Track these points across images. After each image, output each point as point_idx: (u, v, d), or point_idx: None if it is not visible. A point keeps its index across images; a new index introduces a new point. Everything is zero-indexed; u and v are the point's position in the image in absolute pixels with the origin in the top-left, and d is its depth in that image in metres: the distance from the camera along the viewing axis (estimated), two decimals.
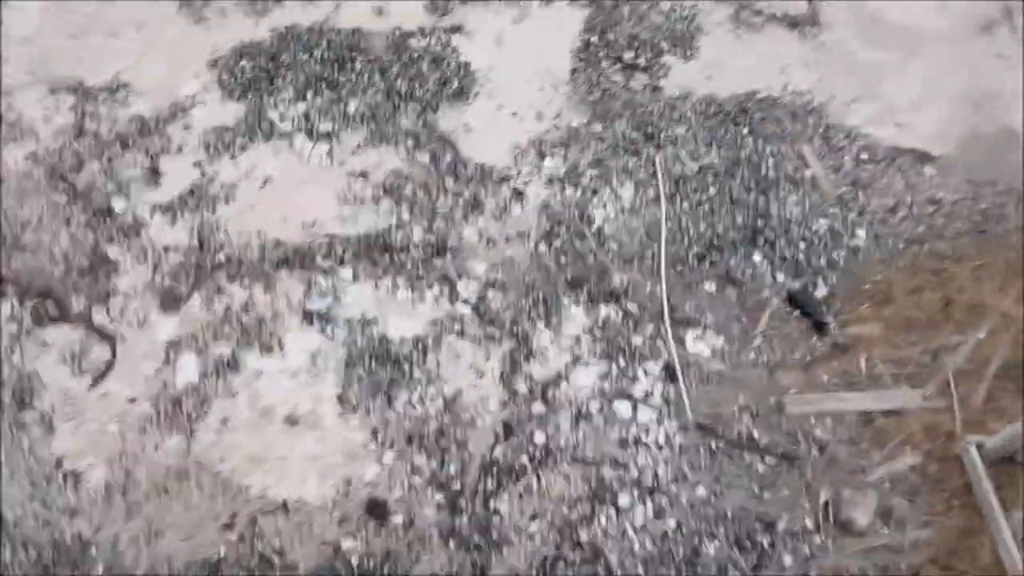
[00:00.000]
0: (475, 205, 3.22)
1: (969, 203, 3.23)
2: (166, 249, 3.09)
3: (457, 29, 3.81)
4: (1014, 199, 3.24)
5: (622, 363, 2.82)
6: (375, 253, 3.03)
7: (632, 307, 2.94)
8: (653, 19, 3.89)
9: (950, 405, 2.62)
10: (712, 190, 3.27)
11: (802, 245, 3.09)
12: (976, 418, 2.60)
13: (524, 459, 2.60)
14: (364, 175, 3.24)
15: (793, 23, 3.92)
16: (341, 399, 2.72)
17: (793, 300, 2.91)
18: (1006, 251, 3.03)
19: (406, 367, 2.78)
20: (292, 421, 2.69)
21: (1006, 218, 3.17)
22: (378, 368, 2.77)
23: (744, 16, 3.95)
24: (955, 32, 3.91)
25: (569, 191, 3.25)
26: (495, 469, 2.58)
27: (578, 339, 2.88)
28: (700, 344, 2.84)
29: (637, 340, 2.87)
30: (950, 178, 3.32)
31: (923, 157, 3.39)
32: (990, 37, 3.87)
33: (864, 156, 3.39)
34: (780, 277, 3.01)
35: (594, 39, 3.79)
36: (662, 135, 3.44)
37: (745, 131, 3.47)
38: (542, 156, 3.37)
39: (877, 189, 3.27)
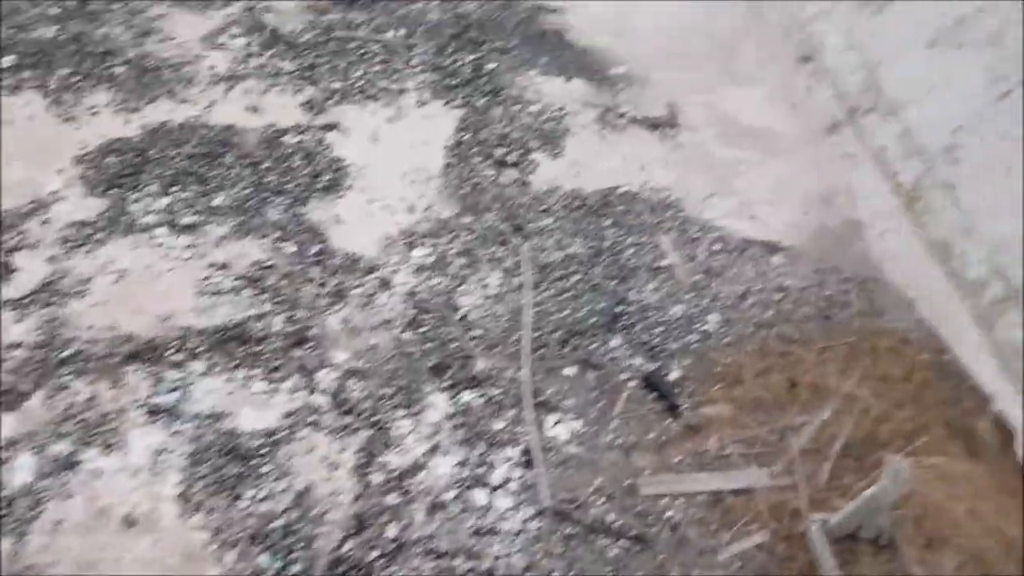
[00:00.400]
0: (340, 295, 3.22)
1: (815, 290, 3.40)
2: (11, 346, 2.96)
3: (332, 127, 3.90)
4: (857, 287, 3.43)
5: (481, 449, 2.80)
6: (231, 345, 2.97)
7: (494, 392, 2.94)
8: (524, 120, 4.07)
9: (796, 484, 2.68)
10: (575, 278, 3.36)
11: (658, 330, 3.19)
12: (821, 496, 2.66)
13: (374, 554, 2.52)
14: (225, 266, 3.22)
15: (654, 125, 4.17)
16: (183, 497, 2.60)
17: (648, 383, 2.97)
18: (849, 335, 3.18)
19: (255, 462, 2.69)
20: (130, 522, 2.55)
21: (849, 304, 3.35)
22: (225, 464, 2.67)
23: (609, 118, 4.18)
24: (804, 133, 4.23)
25: (437, 280, 3.29)
26: (342, 567, 2.48)
27: (438, 426, 2.85)
28: (559, 428, 2.86)
29: (498, 426, 2.87)
30: (798, 267, 3.50)
31: (773, 248, 3.58)
32: (836, 137, 4.19)
33: (717, 247, 3.55)
34: (637, 361, 3.08)
35: (467, 137, 3.93)
36: (529, 226, 3.55)
37: (607, 223, 3.62)
38: (411, 247, 3.42)
39: (729, 277, 3.42)
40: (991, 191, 3.50)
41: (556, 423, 2.86)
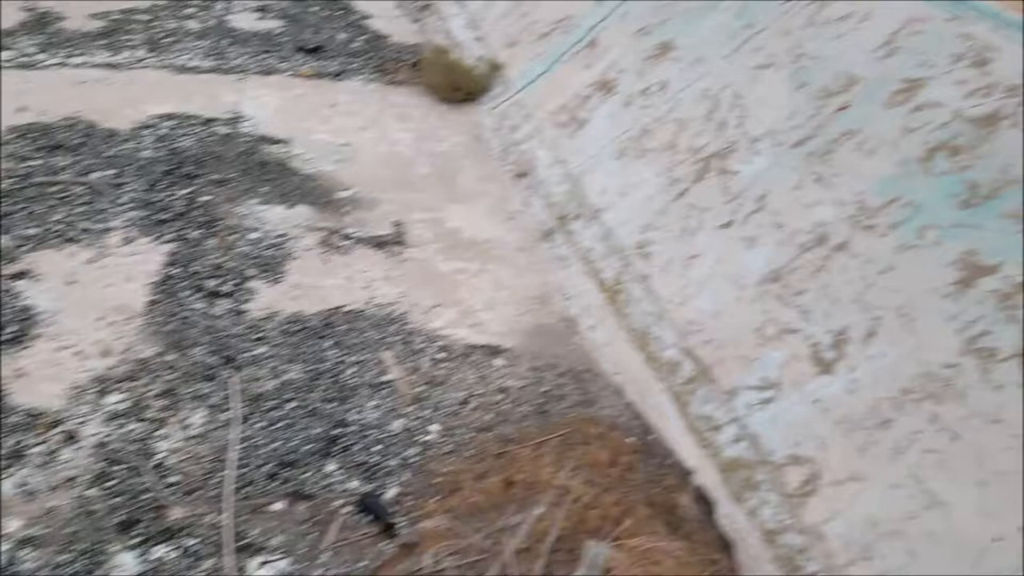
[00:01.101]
0: (17, 456, 2.87)
1: (533, 387, 3.50)
2: None
3: (23, 275, 3.61)
4: (572, 379, 3.58)
5: None
6: None
7: (191, 543, 2.70)
8: (242, 248, 3.99)
9: None
10: (291, 405, 3.24)
11: (377, 448, 3.12)
12: None
13: None
14: None
15: (380, 244, 4.24)
16: None
17: (363, 506, 2.86)
18: (563, 428, 3.28)
19: None
20: None
21: (565, 397, 3.48)
22: None
23: (334, 240, 4.20)
24: (521, 241, 4.46)
25: (132, 426, 3.04)
26: None
27: None
28: (264, 570, 2.66)
29: None
30: (518, 367, 3.61)
31: (495, 351, 3.68)
32: (549, 243, 4.46)
33: (441, 356, 3.59)
34: (354, 484, 2.97)
35: (177, 271, 3.77)
36: (242, 357, 3.40)
37: (329, 344, 3.56)
38: (104, 393, 3.15)
39: (451, 385, 3.45)
40: (676, 279, 3.84)
41: (261, 565, 2.66)
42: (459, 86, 5.79)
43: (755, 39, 4.47)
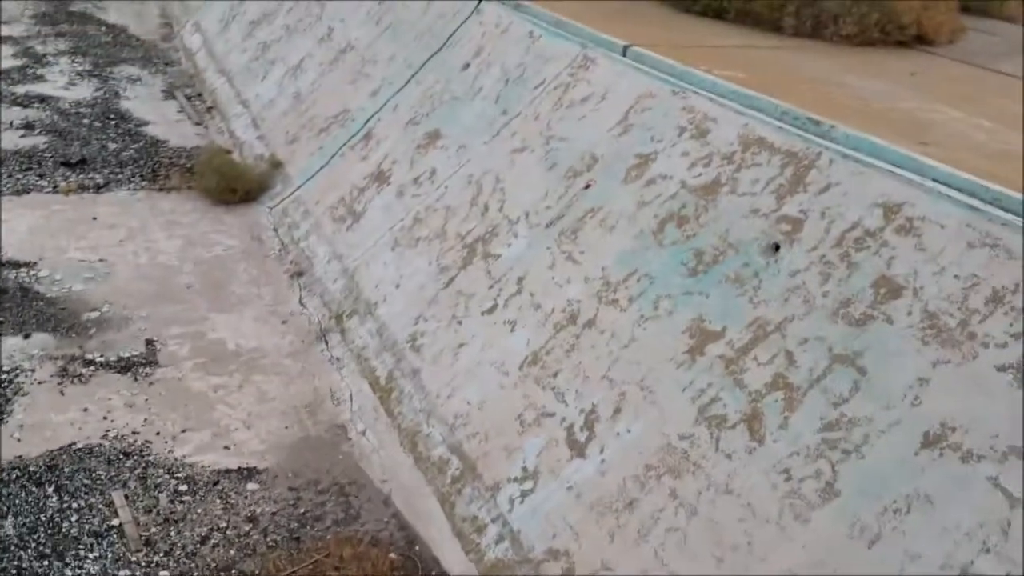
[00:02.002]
0: None
1: (289, 511, 3.22)
2: None
3: None
4: (335, 495, 3.33)
5: None
6: None
7: None
8: None
9: None
10: None
11: None
12: None
13: None
14: None
15: (127, 367, 3.88)
16: None
17: None
18: (316, 553, 3.01)
19: None
20: None
21: (324, 517, 3.21)
22: None
23: (74, 368, 3.81)
24: (293, 346, 4.22)
25: None
26: None
27: None
28: None
29: None
30: (274, 490, 3.32)
31: (249, 474, 3.38)
32: (324, 344, 4.25)
33: (183, 488, 3.26)
34: None
35: None
36: None
37: (50, 491, 3.15)
38: None
39: (191, 521, 3.11)
40: (446, 371, 3.70)
41: None
42: (234, 187, 5.57)
43: (511, 124, 4.54)
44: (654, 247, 3.38)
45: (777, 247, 2.99)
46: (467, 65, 5.23)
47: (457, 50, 5.42)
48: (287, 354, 4.16)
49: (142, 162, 6.00)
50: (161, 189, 5.66)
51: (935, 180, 2.72)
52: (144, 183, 5.69)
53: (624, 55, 4.32)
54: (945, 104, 3.87)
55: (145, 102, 7.26)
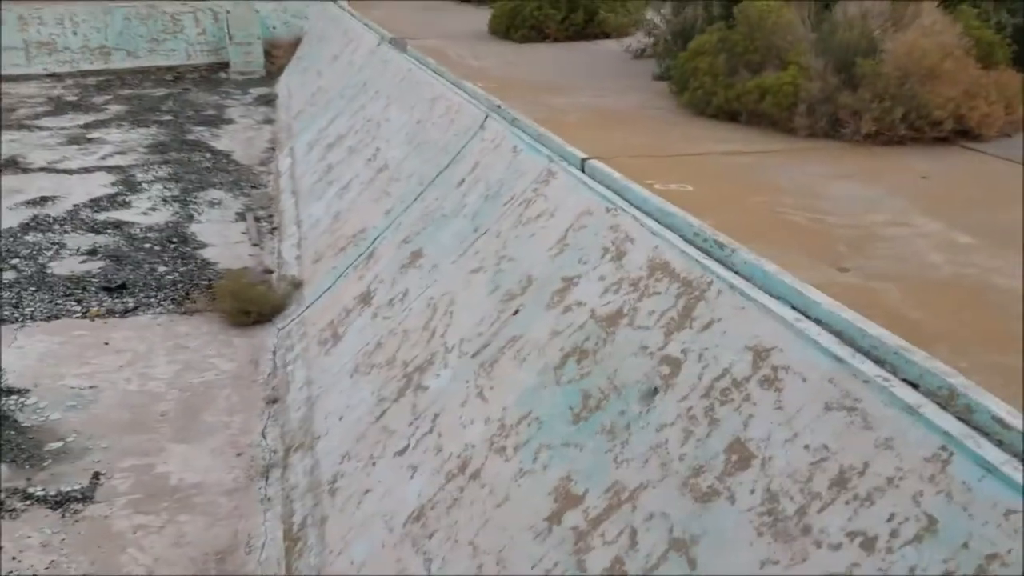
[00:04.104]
0: None
1: None
2: None
3: None
4: None
5: None
6: None
7: None
8: None
9: None
10: None
11: None
12: None
13: None
14: None
15: (61, 502, 3.84)
16: None
17: None
18: None
19: None
20: None
21: None
22: None
23: (10, 502, 3.81)
24: (233, 483, 4.03)
25: None
26: None
27: None
28: None
29: None
30: None
31: None
32: (264, 481, 4.03)
33: None
34: None
35: None
36: None
37: None
38: None
39: None
40: (347, 521, 3.35)
41: None
42: (248, 309, 5.61)
43: (476, 243, 4.26)
44: (551, 385, 2.92)
45: (655, 392, 2.46)
46: (461, 182, 5.06)
47: (458, 167, 5.27)
48: (225, 491, 3.97)
49: (180, 285, 6.23)
50: (185, 312, 5.81)
51: (816, 320, 2.13)
52: (171, 306, 5.87)
53: (582, 169, 3.96)
54: (931, 215, 3.18)
55: (214, 225, 7.64)
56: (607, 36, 9.90)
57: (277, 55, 15.62)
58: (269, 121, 11.84)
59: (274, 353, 5.23)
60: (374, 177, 6.62)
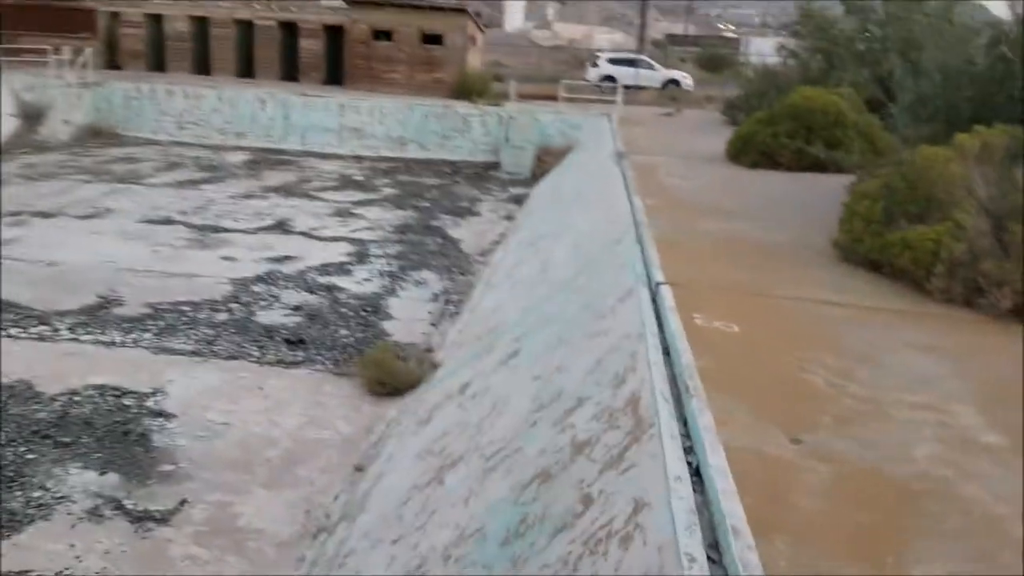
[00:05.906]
0: None
1: None
2: None
3: None
4: None
5: None
6: None
7: None
8: (8, 505, 4.28)
9: None
10: None
11: None
12: None
13: None
14: None
15: (141, 518, 4.27)
16: None
17: None
18: None
19: None
20: None
21: None
22: None
23: (104, 509, 4.31)
24: (294, 536, 4.21)
25: None
26: None
27: None
28: None
29: None
30: None
31: None
32: (313, 541, 4.15)
33: None
34: None
35: None
36: None
37: None
38: None
39: None
40: None
41: None
42: (384, 381, 5.92)
43: (557, 350, 4.15)
44: (510, 504, 2.72)
45: (562, 529, 2.20)
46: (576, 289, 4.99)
47: (582, 277, 5.22)
48: (277, 543, 4.14)
49: (351, 350, 6.74)
50: (339, 374, 6.27)
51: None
52: (331, 366, 6.37)
53: (653, 293, 3.75)
54: (978, 406, 2.52)
55: (410, 302, 8.18)
56: (846, 171, 9.25)
57: (547, 160, 16.67)
58: (510, 217, 12.56)
59: (387, 424, 5.44)
60: (534, 276, 6.74)
